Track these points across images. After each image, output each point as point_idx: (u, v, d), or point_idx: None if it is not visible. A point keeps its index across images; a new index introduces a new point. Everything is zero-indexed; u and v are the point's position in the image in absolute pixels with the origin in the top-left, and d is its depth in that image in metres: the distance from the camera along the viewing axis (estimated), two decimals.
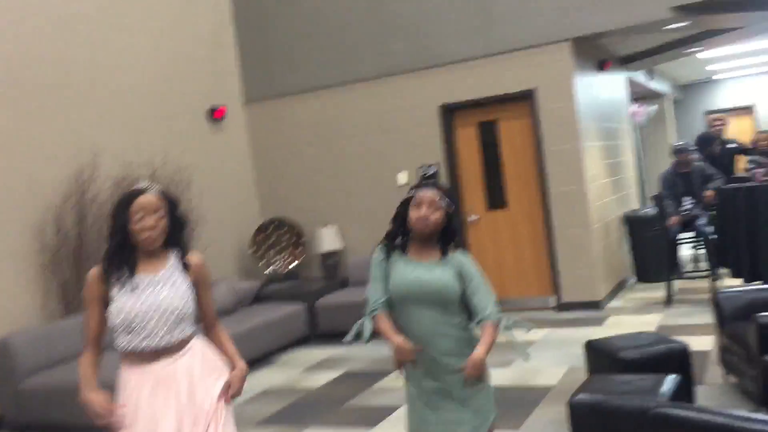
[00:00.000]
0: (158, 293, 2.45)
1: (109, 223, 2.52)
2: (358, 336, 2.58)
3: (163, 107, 7.03)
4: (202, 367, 2.55)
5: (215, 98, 7.73)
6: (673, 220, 6.67)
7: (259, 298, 7.19)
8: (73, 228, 5.87)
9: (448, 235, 2.59)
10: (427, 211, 2.50)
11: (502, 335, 2.56)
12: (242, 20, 8.14)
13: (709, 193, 6.62)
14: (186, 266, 2.56)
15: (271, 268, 7.69)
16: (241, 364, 2.66)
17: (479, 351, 2.47)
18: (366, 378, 5.49)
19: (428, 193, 2.53)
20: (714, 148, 7.91)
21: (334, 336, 6.91)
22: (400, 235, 2.60)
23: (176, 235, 2.55)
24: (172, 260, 2.53)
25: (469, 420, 2.53)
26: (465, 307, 2.56)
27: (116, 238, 2.47)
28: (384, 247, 2.61)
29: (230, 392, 2.58)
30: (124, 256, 2.47)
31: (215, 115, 7.64)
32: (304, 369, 6.03)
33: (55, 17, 6.08)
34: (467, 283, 2.52)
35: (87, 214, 5.94)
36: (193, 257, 2.60)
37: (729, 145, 8.57)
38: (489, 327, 2.51)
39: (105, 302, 2.48)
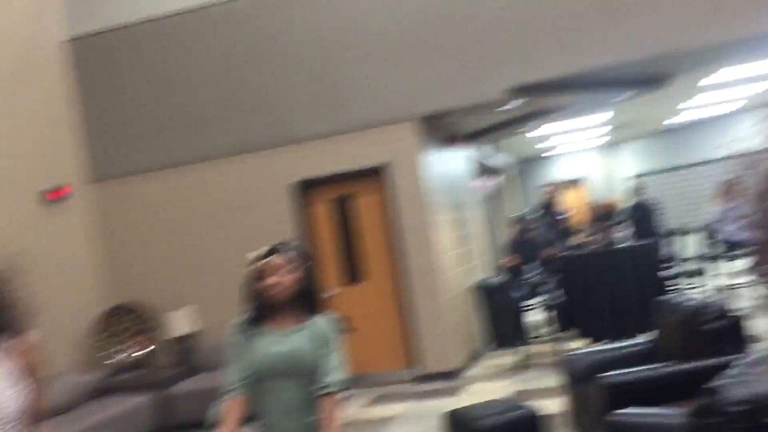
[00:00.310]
0: None
1: None
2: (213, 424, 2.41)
3: None
4: None
5: (52, 178, 7.26)
6: (507, 260, 7.04)
7: (104, 390, 6.65)
8: None
9: (309, 295, 2.48)
10: (277, 277, 2.40)
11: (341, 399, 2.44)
12: (87, 96, 7.81)
13: (549, 252, 7.07)
14: (13, 355, 2.21)
15: (116, 357, 7.18)
16: None
17: None
18: None
19: (273, 261, 2.42)
20: (550, 216, 8.51)
21: (190, 427, 6.50)
22: (260, 311, 2.45)
23: (1, 317, 2.24)
24: None
25: None
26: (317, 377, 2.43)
27: None
28: (238, 326, 2.46)
29: None
30: None
31: (51, 196, 7.15)
32: None
33: None
34: (322, 344, 2.40)
35: None
36: (28, 337, 2.28)
37: (558, 217, 9.26)
38: (331, 403, 2.37)
39: None
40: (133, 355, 7.26)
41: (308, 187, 7.42)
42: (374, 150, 7.17)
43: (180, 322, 7.25)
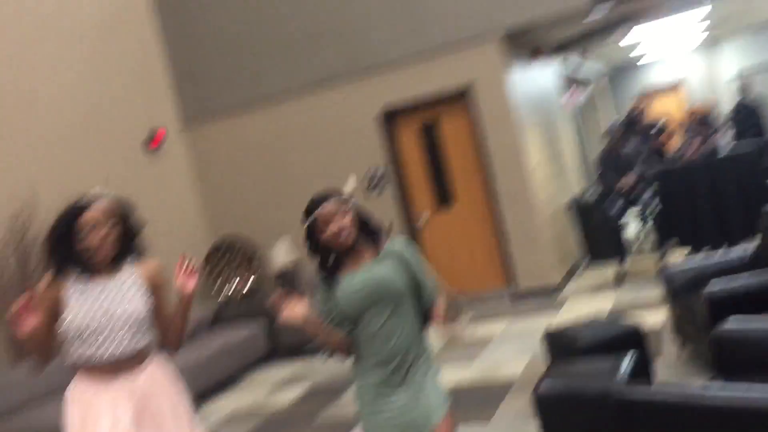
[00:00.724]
0: (110, 300, 2.42)
1: (50, 236, 2.43)
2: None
3: (98, 140, 6.87)
4: (170, 400, 2.55)
5: (151, 125, 7.59)
6: (622, 182, 6.82)
7: (216, 321, 7.08)
8: (16, 273, 5.69)
9: (369, 230, 2.50)
10: (336, 223, 2.42)
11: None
12: (171, 43, 8.02)
13: (624, 181, 6.82)
14: (139, 273, 2.54)
15: (224, 291, 7.59)
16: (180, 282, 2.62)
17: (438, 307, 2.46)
18: (331, 392, 5.46)
19: (325, 208, 2.43)
20: (639, 132, 8.13)
21: (297, 352, 6.86)
22: (327, 259, 2.48)
23: (129, 243, 2.50)
24: (125, 268, 2.50)
25: (426, 405, 2.47)
26: (416, 298, 2.51)
27: (60, 253, 2.41)
28: (321, 283, 2.50)
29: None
30: (72, 266, 2.41)
31: (153, 142, 7.50)
32: (269, 389, 5.96)
33: None
34: (412, 267, 2.46)
35: (29, 257, 5.77)
36: (148, 263, 2.58)
37: (651, 131, 8.84)
38: (433, 312, 2.52)
39: (54, 312, 2.40)
40: (239, 287, 7.65)
41: (394, 115, 7.42)
42: (458, 72, 7.05)
43: (280, 254, 7.55)
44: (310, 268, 7.89)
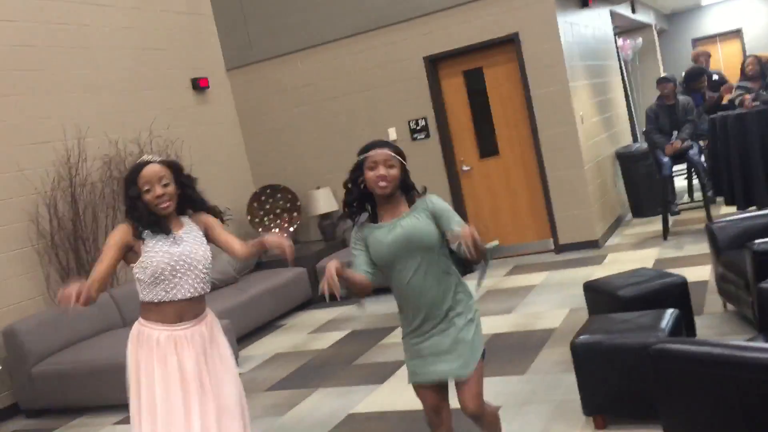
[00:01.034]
0: (183, 246, 2.68)
1: (123, 199, 2.74)
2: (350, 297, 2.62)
3: (145, 82, 6.95)
4: (220, 350, 2.79)
5: (197, 68, 7.64)
6: (669, 148, 6.66)
7: (260, 265, 7.22)
8: (67, 212, 5.87)
9: (406, 189, 2.59)
10: (384, 169, 2.49)
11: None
12: None
13: (675, 144, 6.61)
14: (197, 223, 2.80)
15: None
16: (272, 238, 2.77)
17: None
18: (371, 336, 5.56)
19: (381, 152, 2.51)
20: (701, 84, 7.81)
21: (337, 298, 6.97)
22: (360, 200, 2.57)
23: (187, 195, 2.76)
24: (186, 220, 2.79)
25: (460, 353, 2.52)
26: (448, 254, 2.56)
27: (134, 210, 2.67)
28: (358, 227, 2.59)
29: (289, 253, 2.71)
30: (144, 220, 2.67)
31: (201, 84, 7.56)
32: (310, 331, 6.10)
33: (30, 1, 5.97)
34: (441, 219, 2.49)
35: (79, 197, 5.93)
36: (200, 215, 2.84)
37: (714, 77, 8.51)
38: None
39: (124, 253, 2.67)
40: (284, 231, 7.76)
41: (440, 60, 7.31)
42: (506, 17, 6.89)
43: (322, 201, 7.61)
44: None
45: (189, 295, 2.68)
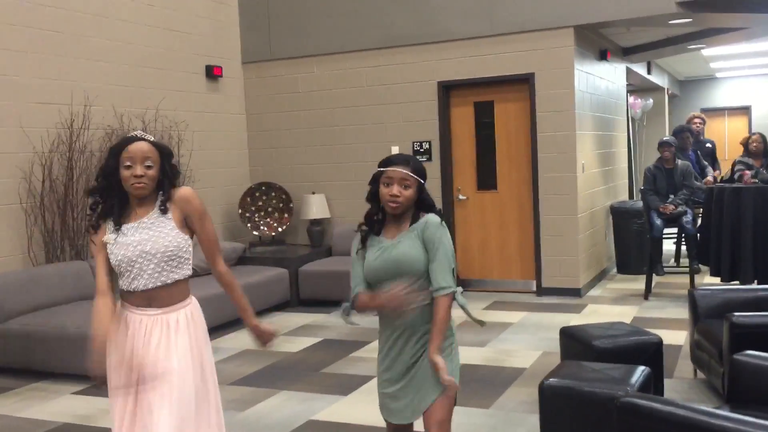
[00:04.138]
0: (141, 236, 2.52)
1: (100, 166, 2.58)
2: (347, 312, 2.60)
3: (159, 60, 6.96)
4: (198, 344, 2.64)
5: (214, 56, 7.66)
6: (663, 209, 6.74)
7: (243, 260, 7.21)
8: (61, 176, 5.85)
9: (422, 209, 2.55)
10: (398, 188, 2.47)
11: (456, 308, 2.52)
12: None
13: (668, 207, 6.71)
14: (173, 209, 2.56)
15: (257, 231, 7.71)
16: (252, 323, 2.77)
17: (431, 351, 2.44)
18: (343, 346, 5.56)
19: (398, 170, 2.48)
20: (685, 141, 7.90)
21: (316, 303, 6.97)
22: (378, 214, 2.56)
23: (166, 184, 2.57)
24: (157, 204, 2.56)
25: (418, 386, 2.53)
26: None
27: (103, 182, 2.53)
28: (361, 233, 2.58)
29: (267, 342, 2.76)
30: (111, 200, 2.54)
31: (215, 72, 7.57)
32: (283, 333, 6.08)
33: None
34: (429, 249, 2.48)
35: (75, 163, 5.92)
36: (180, 190, 2.60)
37: (707, 144, 8.61)
38: (439, 304, 2.45)
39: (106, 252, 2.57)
40: (273, 231, 7.76)
41: (453, 88, 7.38)
42: (525, 56, 6.97)
43: (315, 206, 7.63)
44: (339, 228, 7.96)
45: (151, 285, 2.52)
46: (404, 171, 2.48)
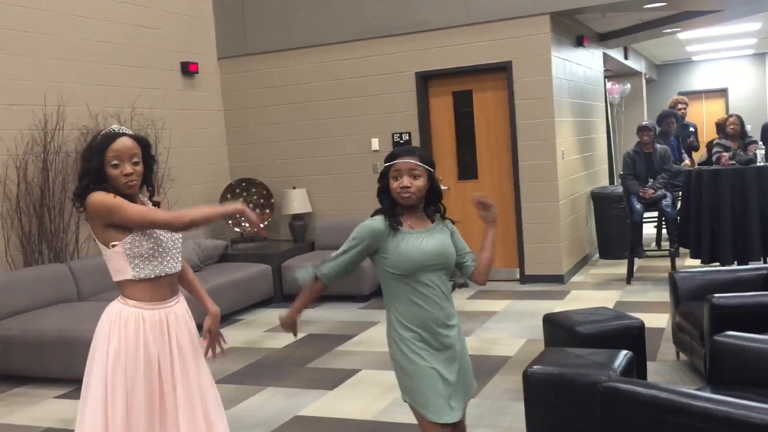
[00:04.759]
0: None
1: (82, 165, 2.48)
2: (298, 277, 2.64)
3: (134, 58, 6.88)
4: (191, 331, 2.65)
5: (189, 52, 7.59)
6: (649, 192, 6.78)
7: (225, 257, 7.17)
8: (36, 178, 5.77)
9: (434, 199, 2.56)
10: (408, 179, 2.45)
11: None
12: None
13: (648, 191, 6.77)
14: (157, 204, 2.62)
15: (239, 227, 7.66)
16: (215, 308, 2.80)
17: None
18: (328, 341, 5.54)
19: (406, 162, 2.46)
20: (669, 126, 7.98)
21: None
22: (394, 208, 2.52)
23: (148, 176, 2.56)
24: (147, 199, 2.59)
25: (471, 381, 2.63)
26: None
27: (89, 183, 2.43)
28: (385, 220, 2.49)
29: (214, 339, 2.77)
30: (119, 193, 2.46)
31: (190, 68, 7.50)
32: (267, 329, 6.05)
33: None
34: (455, 244, 2.59)
35: (51, 165, 5.84)
36: (157, 198, 2.67)
37: (690, 128, 8.68)
38: (481, 260, 2.66)
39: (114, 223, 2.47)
40: (251, 227, 7.70)
41: (431, 78, 7.36)
42: (502, 44, 6.96)
43: (296, 201, 7.59)
44: (320, 222, 7.93)
45: (178, 267, 2.57)
46: (412, 161, 2.47)
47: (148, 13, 7.08)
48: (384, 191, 2.54)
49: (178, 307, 2.59)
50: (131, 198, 2.49)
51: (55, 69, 6.07)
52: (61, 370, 4.76)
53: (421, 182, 2.47)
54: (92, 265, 5.58)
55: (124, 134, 2.46)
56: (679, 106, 8.80)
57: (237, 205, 2.56)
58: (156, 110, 7.01)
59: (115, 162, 2.42)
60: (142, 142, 2.52)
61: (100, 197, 2.40)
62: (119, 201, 2.40)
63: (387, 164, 2.52)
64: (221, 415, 2.66)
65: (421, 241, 2.47)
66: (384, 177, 2.53)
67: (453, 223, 2.66)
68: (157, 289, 2.50)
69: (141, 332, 2.46)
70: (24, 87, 5.81)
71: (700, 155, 8.04)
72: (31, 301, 5.27)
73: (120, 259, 2.45)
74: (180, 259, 2.62)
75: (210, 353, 2.77)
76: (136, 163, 2.46)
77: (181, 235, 2.60)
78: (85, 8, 6.40)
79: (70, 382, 4.68)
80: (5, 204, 5.62)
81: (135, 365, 2.43)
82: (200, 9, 7.82)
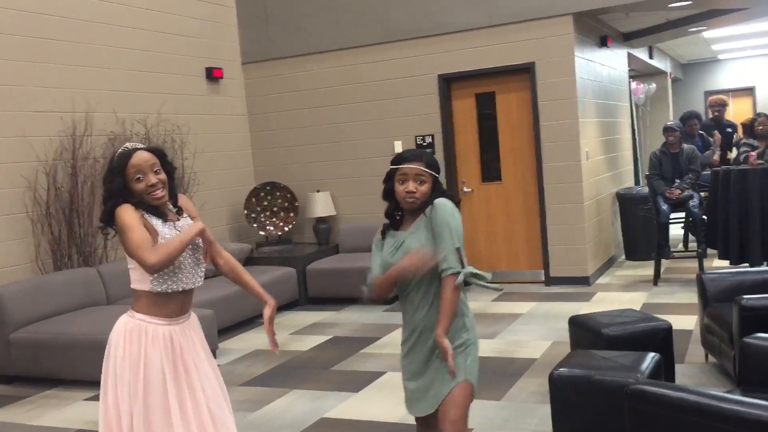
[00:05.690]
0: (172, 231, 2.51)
1: (105, 188, 2.50)
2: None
3: (159, 64, 6.97)
4: (203, 343, 2.66)
5: (213, 57, 7.66)
6: (669, 193, 6.71)
7: (250, 260, 7.22)
8: (66, 183, 5.87)
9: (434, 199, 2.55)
10: (414, 184, 2.47)
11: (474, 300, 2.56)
12: None
13: (675, 191, 6.70)
14: (180, 210, 2.61)
15: (264, 231, 7.71)
16: (273, 300, 2.82)
17: (437, 333, 2.42)
18: (353, 343, 5.56)
19: (413, 167, 2.47)
20: (692, 127, 7.91)
21: (324, 301, 6.98)
22: (397, 211, 2.57)
23: (170, 184, 2.57)
24: (172, 208, 2.58)
25: (434, 379, 2.53)
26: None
27: (113, 203, 2.44)
28: (384, 228, 2.60)
29: (271, 328, 2.76)
30: (145, 206, 2.48)
31: (215, 74, 7.57)
32: (293, 332, 6.09)
33: None
34: (435, 234, 2.44)
35: (79, 170, 5.94)
36: (181, 199, 2.65)
37: (728, 129, 8.56)
38: (444, 285, 2.44)
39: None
40: (279, 230, 7.76)
41: (454, 80, 7.36)
42: (525, 45, 6.94)
43: (320, 205, 7.63)
44: (345, 225, 7.96)
45: (196, 284, 2.54)
46: (419, 167, 2.47)
47: (173, 20, 7.17)
48: (389, 193, 2.55)
49: (187, 324, 2.59)
50: (158, 210, 2.50)
51: (83, 76, 6.17)
52: (90, 372, 4.82)
53: (426, 188, 2.48)
54: (120, 268, 5.66)
55: (138, 149, 2.48)
56: (716, 108, 8.70)
57: (197, 227, 2.51)
58: (181, 115, 7.09)
59: (138, 176, 2.43)
60: (158, 153, 2.54)
61: (123, 212, 2.41)
62: (130, 224, 2.38)
63: (393, 167, 2.52)
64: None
65: (394, 247, 2.50)
66: (390, 179, 2.54)
67: (454, 201, 2.54)
68: (168, 304, 2.50)
69: (143, 344, 2.46)
70: (53, 94, 5.91)
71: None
72: (61, 305, 5.36)
73: (142, 271, 2.46)
74: (202, 275, 2.59)
75: (273, 347, 2.76)
76: (157, 172, 2.48)
77: (200, 250, 2.57)
78: (112, 16, 6.49)
79: (100, 385, 4.74)
80: (36, 209, 5.72)
81: (137, 377, 2.45)
82: (224, 15, 7.90)
